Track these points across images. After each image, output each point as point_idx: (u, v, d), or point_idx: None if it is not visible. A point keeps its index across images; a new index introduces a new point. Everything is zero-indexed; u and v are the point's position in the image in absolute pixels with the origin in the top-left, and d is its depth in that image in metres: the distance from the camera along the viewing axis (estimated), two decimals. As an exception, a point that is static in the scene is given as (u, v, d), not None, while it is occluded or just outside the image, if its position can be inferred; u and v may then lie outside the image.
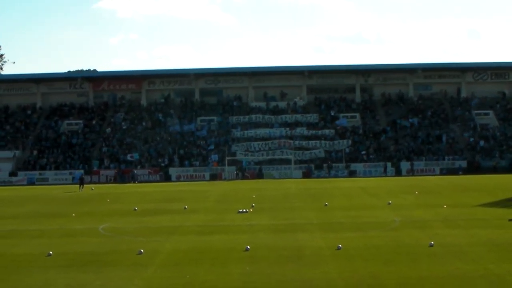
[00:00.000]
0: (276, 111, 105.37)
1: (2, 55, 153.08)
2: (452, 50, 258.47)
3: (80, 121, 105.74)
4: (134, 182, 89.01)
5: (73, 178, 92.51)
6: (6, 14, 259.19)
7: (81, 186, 77.50)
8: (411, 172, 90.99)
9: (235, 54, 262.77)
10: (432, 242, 33.41)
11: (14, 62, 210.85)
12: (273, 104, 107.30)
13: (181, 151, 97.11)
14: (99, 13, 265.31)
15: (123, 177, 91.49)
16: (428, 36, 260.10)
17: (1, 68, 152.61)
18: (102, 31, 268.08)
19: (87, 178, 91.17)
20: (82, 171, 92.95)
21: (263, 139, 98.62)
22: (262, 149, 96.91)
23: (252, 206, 52.69)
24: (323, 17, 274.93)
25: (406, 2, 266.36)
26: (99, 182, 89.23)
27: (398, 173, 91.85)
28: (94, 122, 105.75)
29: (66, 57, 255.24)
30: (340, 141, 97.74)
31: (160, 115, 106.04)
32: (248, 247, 33.35)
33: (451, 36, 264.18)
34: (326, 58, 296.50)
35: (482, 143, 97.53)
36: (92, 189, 76.89)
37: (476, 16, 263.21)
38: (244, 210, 49.78)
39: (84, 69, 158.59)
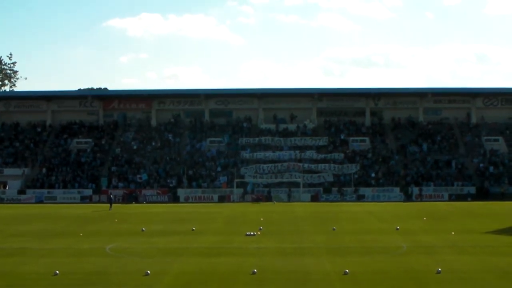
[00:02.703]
0: (286, 134, 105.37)
1: (16, 71, 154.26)
2: (461, 74, 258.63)
3: (90, 140, 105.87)
4: (136, 203, 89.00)
5: (81, 197, 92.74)
6: (17, 31, 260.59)
7: (111, 205, 77.60)
8: (420, 197, 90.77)
9: (244, 75, 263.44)
10: (440, 269, 33.32)
11: (26, 78, 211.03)
12: (282, 126, 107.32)
13: (190, 172, 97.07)
14: (109, 31, 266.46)
15: (129, 197, 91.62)
16: (436, 61, 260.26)
17: (14, 85, 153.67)
18: (113, 50, 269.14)
19: (95, 197, 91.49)
20: (90, 190, 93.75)
21: (272, 161, 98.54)
22: (271, 171, 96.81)
23: (260, 229, 52.65)
24: (331, 40, 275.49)
25: (413, 26, 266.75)
26: (107, 202, 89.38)
27: (407, 198, 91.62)
28: (103, 141, 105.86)
29: (76, 75, 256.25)
30: (349, 165, 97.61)
31: (170, 135, 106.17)
32: (255, 270, 33.30)
33: (459, 61, 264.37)
34: (335, 81, 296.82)
35: (491, 169, 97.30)
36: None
37: (484, 41, 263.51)
38: (252, 233, 49.74)
39: (95, 88, 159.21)
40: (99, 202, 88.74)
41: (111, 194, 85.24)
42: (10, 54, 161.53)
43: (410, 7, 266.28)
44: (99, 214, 70.87)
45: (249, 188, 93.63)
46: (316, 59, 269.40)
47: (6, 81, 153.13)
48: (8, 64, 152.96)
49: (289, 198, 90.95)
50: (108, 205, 78.09)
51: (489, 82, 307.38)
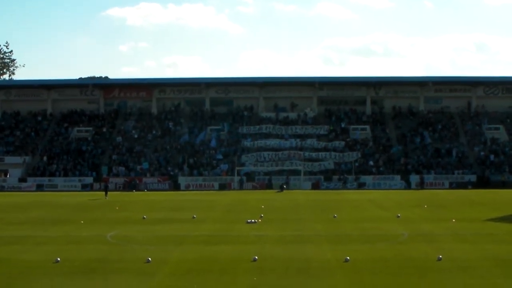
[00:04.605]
0: (287, 122, 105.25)
1: (14, 60, 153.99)
2: (460, 64, 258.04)
3: (90, 128, 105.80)
4: (136, 191, 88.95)
5: (82, 185, 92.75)
6: (17, 20, 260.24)
7: (106, 193, 77.10)
8: (420, 186, 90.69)
9: (244, 64, 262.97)
10: (440, 256, 33.33)
11: (24, 65, 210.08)
12: (283, 115, 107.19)
13: (191, 160, 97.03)
14: (108, 20, 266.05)
15: (130, 185, 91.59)
16: (435, 50, 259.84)
17: (13, 73, 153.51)
18: (112, 39, 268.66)
19: (96, 185, 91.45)
20: (91, 178, 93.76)
21: (273, 149, 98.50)
22: (271, 159, 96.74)
23: (261, 216, 52.66)
24: (330, 29, 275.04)
25: (412, 16, 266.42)
26: (103, 190, 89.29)
27: (408, 186, 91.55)
28: (104, 129, 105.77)
29: (76, 63, 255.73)
30: (350, 153, 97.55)
31: (171, 124, 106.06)
32: (256, 257, 33.31)
33: (458, 50, 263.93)
34: (334, 70, 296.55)
35: (492, 157, 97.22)
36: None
37: (483, 31, 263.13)
38: (253, 220, 49.76)
39: (95, 76, 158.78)
40: (99, 190, 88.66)
41: (108, 182, 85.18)
42: (7, 43, 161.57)
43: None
44: (99, 202, 70.88)
45: (242, 174, 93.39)
46: (316, 48, 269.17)
47: (5, 70, 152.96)
48: (6, 53, 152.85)
49: (287, 186, 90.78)
50: (103, 193, 77.74)
51: (488, 72, 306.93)
